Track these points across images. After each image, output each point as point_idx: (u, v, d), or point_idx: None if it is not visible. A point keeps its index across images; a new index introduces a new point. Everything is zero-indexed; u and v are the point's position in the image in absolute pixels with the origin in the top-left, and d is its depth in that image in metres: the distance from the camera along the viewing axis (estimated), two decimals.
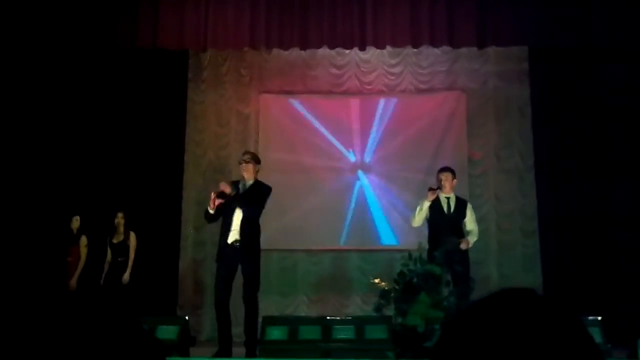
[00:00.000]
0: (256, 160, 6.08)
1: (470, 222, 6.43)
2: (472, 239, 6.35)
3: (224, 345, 5.85)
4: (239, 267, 5.87)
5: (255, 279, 5.85)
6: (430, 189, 6.39)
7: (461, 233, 6.35)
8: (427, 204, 6.36)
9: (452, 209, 6.40)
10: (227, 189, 5.77)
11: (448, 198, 6.43)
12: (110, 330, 0.85)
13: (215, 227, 8.33)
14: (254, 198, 5.90)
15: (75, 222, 7.60)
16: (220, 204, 5.81)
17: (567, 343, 0.68)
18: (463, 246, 6.18)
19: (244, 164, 5.99)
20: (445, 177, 6.43)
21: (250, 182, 5.97)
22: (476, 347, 0.69)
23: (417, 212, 6.44)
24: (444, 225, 6.26)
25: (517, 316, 0.70)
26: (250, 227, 5.83)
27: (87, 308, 0.88)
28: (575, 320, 0.71)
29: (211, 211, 5.83)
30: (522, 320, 0.69)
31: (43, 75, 7.98)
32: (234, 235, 5.80)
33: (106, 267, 7.44)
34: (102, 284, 7.38)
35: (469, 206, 6.53)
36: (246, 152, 6.35)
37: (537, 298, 0.73)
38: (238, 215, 5.81)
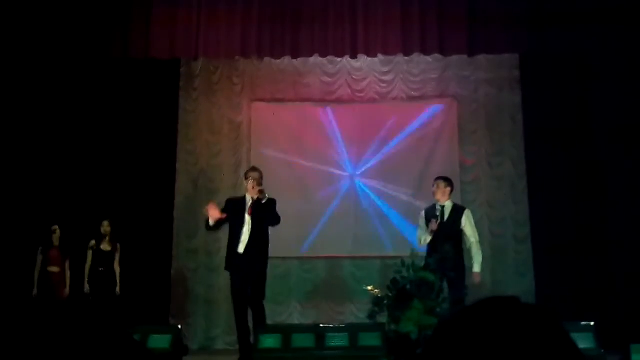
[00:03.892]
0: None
1: (468, 231, 6.49)
2: (477, 266, 6.41)
3: (246, 351, 6.09)
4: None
5: (262, 288, 6.28)
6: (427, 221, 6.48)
7: (459, 239, 6.39)
8: (428, 238, 6.39)
9: (445, 217, 6.47)
10: (217, 214, 6.22)
11: (443, 207, 6.51)
12: (101, 342, 0.85)
13: (207, 235, 8.39)
14: (272, 214, 6.33)
15: (56, 231, 7.58)
16: (221, 219, 6.28)
17: (549, 349, 0.69)
18: (476, 281, 6.27)
19: (250, 180, 6.39)
20: (437, 185, 6.57)
21: (255, 198, 6.33)
22: (461, 354, 0.69)
23: (420, 240, 6.53)
24: (439, 232, 6.31)
25: (501, 324, 0.70)
26: (260, 237, 6.28)
27: (78, 319, 0.88)
28: (558, 327, 0.72)
29: (212, 223, 6.28)
30: (505, 327, 0.70)
31: (36, 83, 7.97)
32: (242, 246, 6.22)
33: (87, 271, 7.47)
34: (90, 292, 7.41)
35: (466, 213, 6.57)
36: (255, 168, 6.66)
37: (521, 306, 0.74)
38: (248, 226, 6.23)
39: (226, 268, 6.47)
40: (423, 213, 6.60)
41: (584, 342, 5.39)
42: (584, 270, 7.83)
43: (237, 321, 6.29)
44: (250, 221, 6.29)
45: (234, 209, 6.37)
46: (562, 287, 7.78)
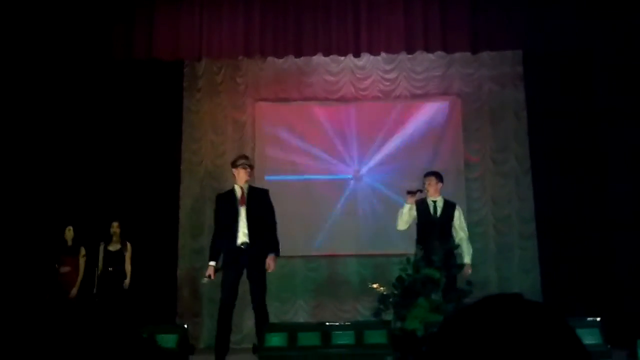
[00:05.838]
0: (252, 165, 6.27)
1: (458, 226, 6.51)
2: (468, 257, 6.41)
3: (221, 353, 5.89)
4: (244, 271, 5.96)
5: (264, 283, 6.00)
6: (408, 192, 6.53)
7: (450, 234, 6.40)
8: (407, 208, 6.55)
9: (438, 212, 6.52)
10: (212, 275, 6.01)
11: (435, 201, 6.57)
12: (110, 340, 0.86)
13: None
14: (270, 208, 6.04)
15: (69, 232, 7.64)
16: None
17: (554, 346, 0.70)
18: (468, 272, 6.27)
19: (248, 169, 6.09)
20: (429, 182, 6.59)
21: (246, 186, 6.05)
22: (465, 351, 0.70)
23: (398, 217, 6.63)
24: (430, 227, 6.37)
25: (505, 321, 0.71)
26: (258, 229, 5.91)
27: (87, 318, 0.89)
28: (563, 324, 0.73)
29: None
30: (509, 324, 0.70)
31: (40, 84, 7.98)
32: (241, 238, 5.88)
33: (98, 272, 7.52)
34: (97, 292, 7.46)
35: (457, 209, 6.63)
36: (246, 157, 6.47)
37: (525, 303, 0.75)
38: (243, 218, 5.90)
39: (222, 266, 6.02)
40: (407, 206, 6.58)
41: (590, 338, 5.38)
42: (589, 266, 7.82)
43: (221, 319, 5.96)
44: (245, 212, 5.92)
45: (224, 204, 6.03)
46: (568, 283, 7.78)
